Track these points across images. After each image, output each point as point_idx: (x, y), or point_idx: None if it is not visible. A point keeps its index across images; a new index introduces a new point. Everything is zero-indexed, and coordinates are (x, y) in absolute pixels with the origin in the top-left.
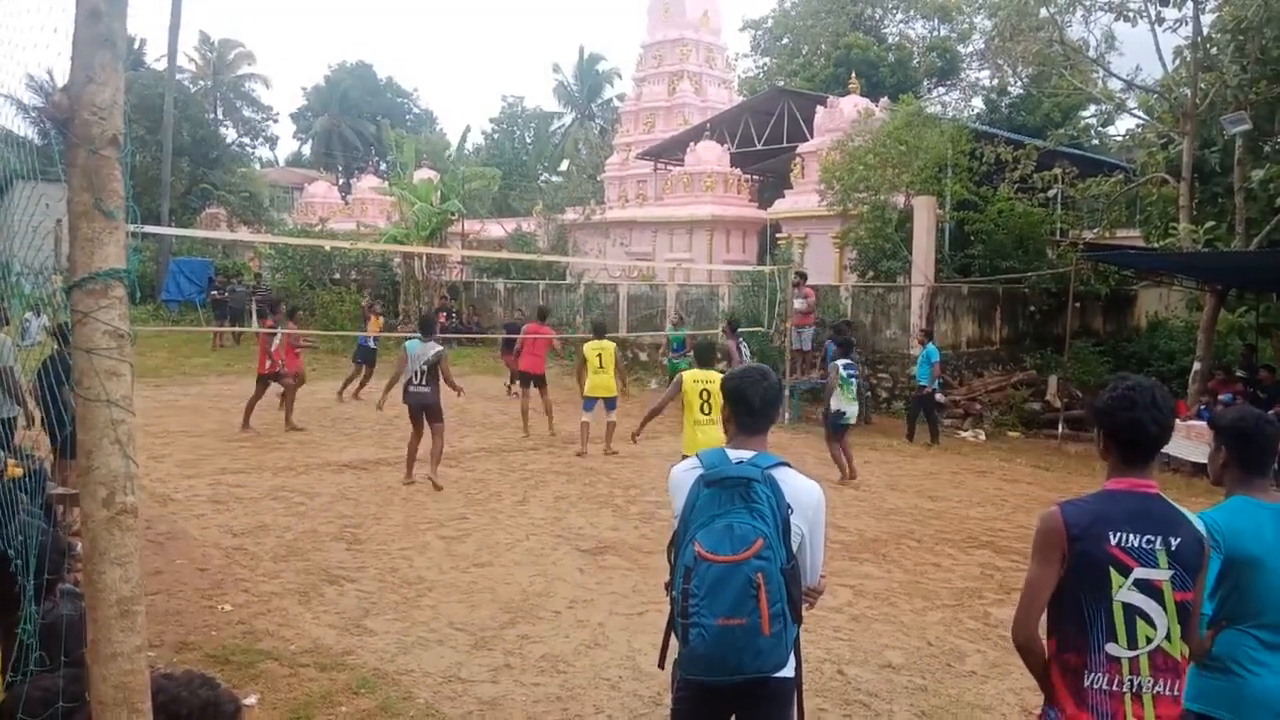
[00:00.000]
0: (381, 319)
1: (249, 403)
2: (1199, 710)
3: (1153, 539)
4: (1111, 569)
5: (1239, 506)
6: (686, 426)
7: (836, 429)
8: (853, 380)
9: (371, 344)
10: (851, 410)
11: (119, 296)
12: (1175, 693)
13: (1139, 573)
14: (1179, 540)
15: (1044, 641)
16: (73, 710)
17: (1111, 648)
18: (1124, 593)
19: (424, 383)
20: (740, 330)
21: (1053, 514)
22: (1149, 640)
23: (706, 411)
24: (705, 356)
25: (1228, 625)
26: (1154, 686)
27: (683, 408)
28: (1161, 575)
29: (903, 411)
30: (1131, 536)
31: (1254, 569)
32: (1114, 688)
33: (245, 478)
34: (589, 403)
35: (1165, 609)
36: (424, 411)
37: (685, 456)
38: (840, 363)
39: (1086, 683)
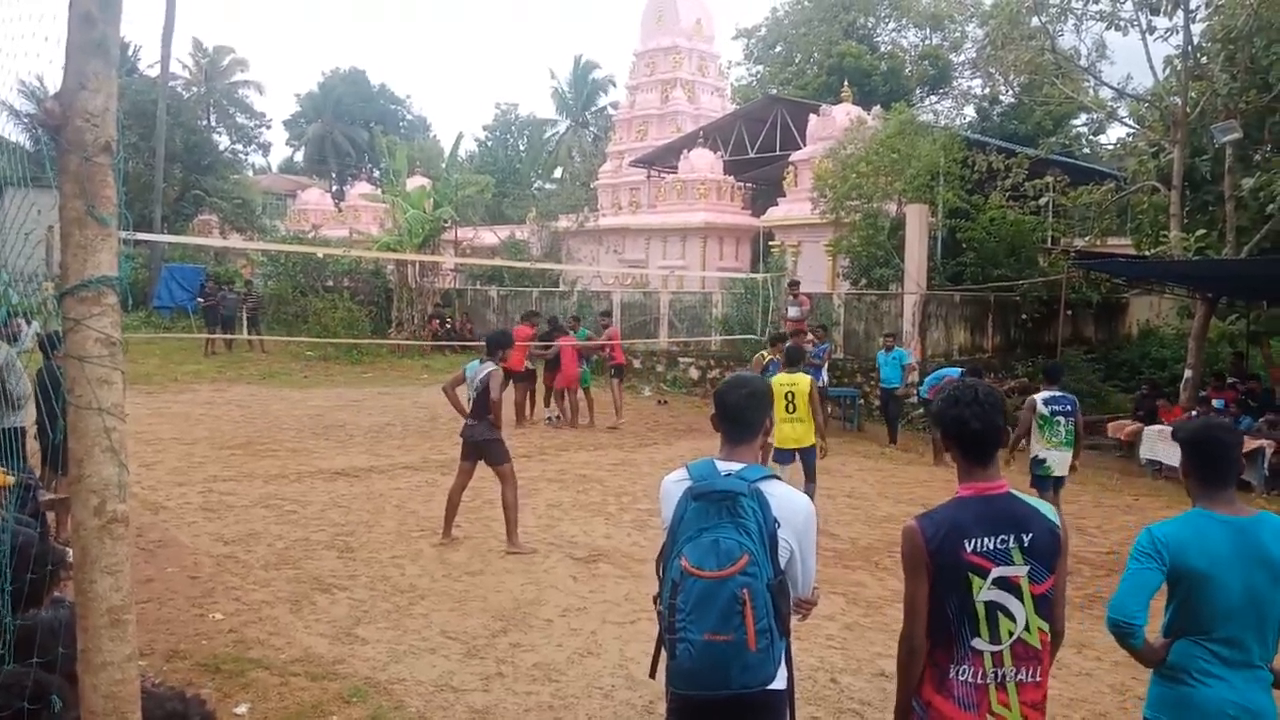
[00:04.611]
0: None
1: (516, 401)
2: (1153, 717)
3: (1006, 538)
4: (971, 575)
5: (1191, 519)
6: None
7: (1037, 481)
8: (1059, 420)
9: None
10: (1055, 458)
11: (111, 304)
12: (1037, 678)
13: (997, 572)
14: (1031, 535)
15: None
16: (37, 712)
17: (976, 642)
18: (985, 593)
19: (473, 413)
20: (734, 338)
21: (911, 529)
22: (1010, 634)
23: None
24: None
25: (1182, 636)
26: (1017, 675)
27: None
28: (1018, 571)
29: (897, 420)
30: (986, 540)
31: (1201, 583)
32: (979, 680)
33: (236, 485)
34: None
35: (1023, 602)
36: (476, 450)
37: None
38: (1041, 396)
39: (951, 674)
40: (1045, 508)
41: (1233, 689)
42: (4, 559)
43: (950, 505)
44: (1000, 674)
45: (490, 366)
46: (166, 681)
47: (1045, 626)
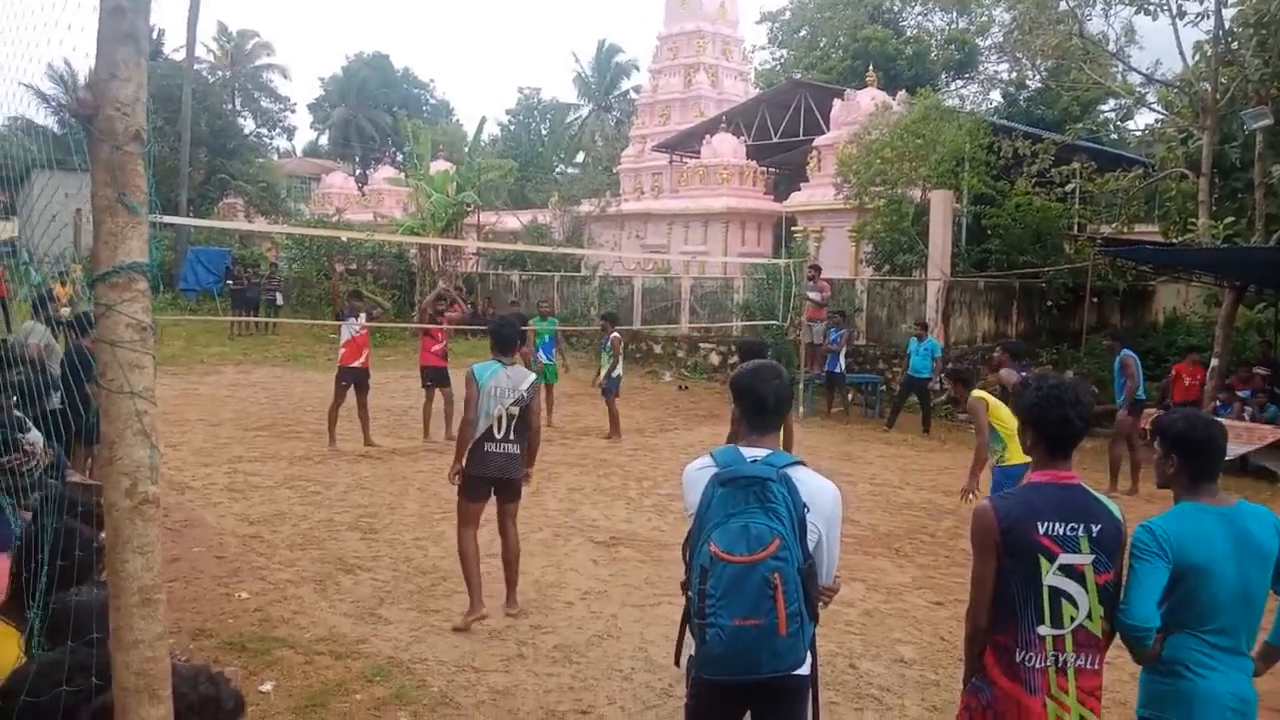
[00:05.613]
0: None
1: None
2: (1150, 715)
3: (1076, 526)
4: (1040, 556)
5: (1188, 513)
6: None
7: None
8: None
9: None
10: None
11: (142, 290)
12: (1095, 666)
13: (1063, 558)
14: (1100, 527)
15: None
16: (102, 687)
17: (1041, 628)
18: (1051, 577)
19: (510, 434)
20: (755, 324)
21: (985, 509)
22: (1072, 619)
23: None
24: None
25: (1176, 630)
26: (1076, 661)
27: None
28: (1083, 560)
29: (918, 406)
30: (1057, 525)
31: (1202, 576)
32: (1042, 664)
33: (261, 466)
34: None
35: (1087, 590)
36: (507, 486)
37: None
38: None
39: (1018, 659)
40: (1112, 504)
41: (1229, 680)
42: (52, 538)
43: (1025, 489)
44: (1062, 659)
45: (530, 376)
46: (191, 659)
47: (1105, 615)
